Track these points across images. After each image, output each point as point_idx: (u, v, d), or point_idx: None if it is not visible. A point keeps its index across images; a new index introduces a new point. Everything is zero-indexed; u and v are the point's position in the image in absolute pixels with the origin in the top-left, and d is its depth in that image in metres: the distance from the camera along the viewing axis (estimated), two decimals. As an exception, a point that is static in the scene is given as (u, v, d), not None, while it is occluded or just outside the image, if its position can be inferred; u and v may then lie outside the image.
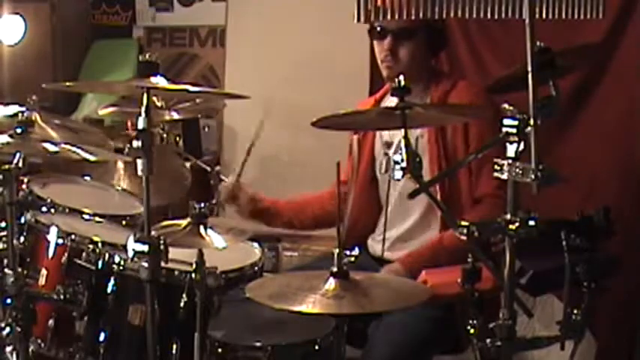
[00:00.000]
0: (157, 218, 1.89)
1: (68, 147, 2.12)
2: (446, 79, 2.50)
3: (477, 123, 2.32)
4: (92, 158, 2.13)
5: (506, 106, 1.53)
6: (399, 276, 2.28)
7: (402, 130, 1.65)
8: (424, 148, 2.39)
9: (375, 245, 2.55)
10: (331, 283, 1.71)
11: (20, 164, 2.00)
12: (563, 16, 1.65)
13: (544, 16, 1.63)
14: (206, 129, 4.02)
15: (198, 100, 2.96)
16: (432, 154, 2.38)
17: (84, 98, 4.18)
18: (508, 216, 1.53)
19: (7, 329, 2.01)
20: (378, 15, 1.68)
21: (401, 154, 1.60)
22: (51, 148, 2.11)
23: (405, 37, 2.41)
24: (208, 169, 2.78)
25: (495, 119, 1.58)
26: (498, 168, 1.53)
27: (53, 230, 2.21)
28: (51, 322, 2.16)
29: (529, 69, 1.46)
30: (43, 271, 2.21)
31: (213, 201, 2.59)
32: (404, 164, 1.60)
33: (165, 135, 3.00)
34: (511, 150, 1.52)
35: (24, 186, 2.29)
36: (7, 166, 1.99)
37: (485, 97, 2.34)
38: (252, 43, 4.06)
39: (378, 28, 2.43)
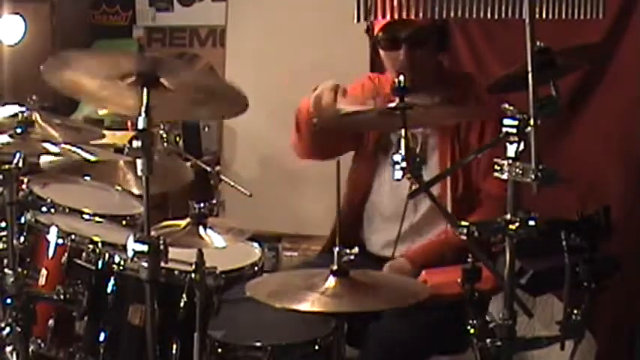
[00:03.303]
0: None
1: (68, 147, 2.12)
2: (458, 77, 2.50)
3: (495, 122, 2.30)
4: (92, 158, 2.13)
5: (506, 106, 1.53)
6: (404, 273, 2.25)
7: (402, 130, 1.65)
8: (434, 147, 2.37)
9: (374, 245, 2.54)
10: (331, 282, 1.71)
11: (20, 164, 2.00)
12: (563, 16, 1.65)
13: (544, 16, 1.63)
14: (206, 129, 4.01)
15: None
16: (442, 152, 2.35)
17: (84, 98, 4.18)
18: (508, 216, 1.53)
19: (7, 329, 2.01)
20: (377, 15, 1.68)
21: (401, 153, 1.60)
22: (51, 148, 2.11)
23: (420, 43, 2.32)
24: (208, 169, 2.78)
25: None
26: (498, 168, 1.53)
27: (53, 230, 2.21)
28: (51, 322, 2.17)
29: (529, 69, 1.46)
30: (43, 271, 2.21)
31: (213, 201, 2.59)
32: (404, 164, 1.60)
33: (165, 135, 3.00)
34: (511, 150, 1.52)
35: (24, 186, 2.29)
36: (7, 166, 1.99)
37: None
38: (252, 43, 4.06)
39: (391, 39, 2.33)
